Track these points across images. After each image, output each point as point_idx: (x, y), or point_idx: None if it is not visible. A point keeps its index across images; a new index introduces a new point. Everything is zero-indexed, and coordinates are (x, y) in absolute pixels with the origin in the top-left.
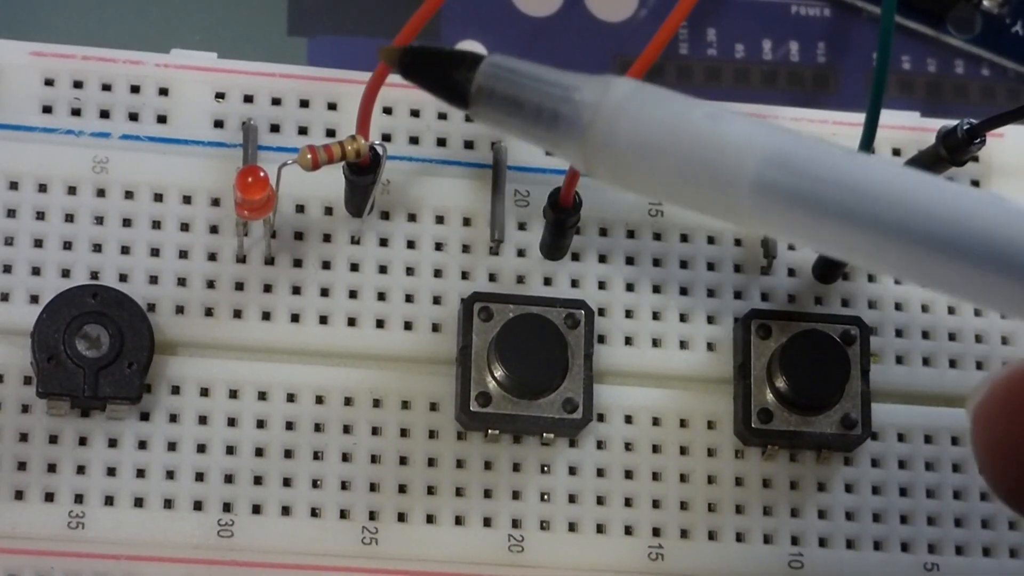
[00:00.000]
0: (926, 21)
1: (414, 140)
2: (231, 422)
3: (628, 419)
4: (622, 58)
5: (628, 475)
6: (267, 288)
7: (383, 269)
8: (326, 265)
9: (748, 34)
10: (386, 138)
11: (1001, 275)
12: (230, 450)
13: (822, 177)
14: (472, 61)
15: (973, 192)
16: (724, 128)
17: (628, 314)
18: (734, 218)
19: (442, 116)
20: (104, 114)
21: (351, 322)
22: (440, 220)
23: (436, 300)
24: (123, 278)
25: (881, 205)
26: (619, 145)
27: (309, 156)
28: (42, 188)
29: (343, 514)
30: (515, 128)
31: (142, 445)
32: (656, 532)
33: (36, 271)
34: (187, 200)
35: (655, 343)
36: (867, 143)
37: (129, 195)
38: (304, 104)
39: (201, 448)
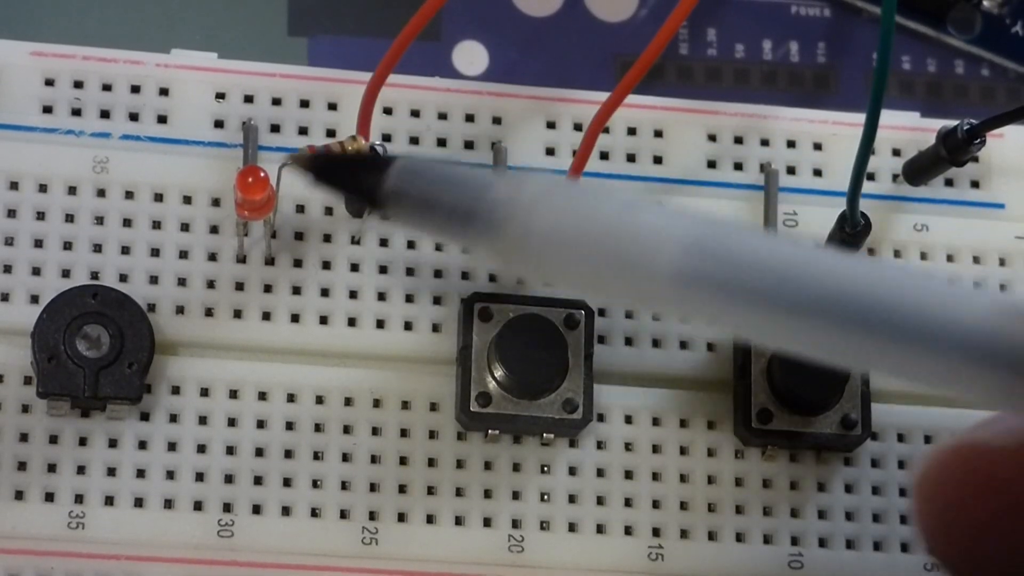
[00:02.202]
0: (926, 21)
1: (414, 140)
2: (231, 422)
3: (628, 419)
4: (622, 58)
5: (628, 475)
6: (267, 288)
7: (383, 269)
8: (326, 265)
9: (748, 34)
10: (386, 138)
11: (926, 351)
12: (230, 450)
13: (740, 263)
14: (382, 164)
15: (894, 268)
16: (640, 219)
17: (628, 314)
18: (658, 308)
19: (442, 116)
20: (104, 114)
21: (351, 322)
22: None
23: (436, 300)
24: (123, 278)
25: (801, 288)
26: (535, 242)
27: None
28: (42, 188)
29: (343, 514)
30: (431, 228)
31: (142, 445)
32: (656, 532)
33: (36, 271)
34: (187, 200)
35: (655, 343)
36: (867, 143)
37: (129, 195)
38: (304, 104)
39: (201, 448)
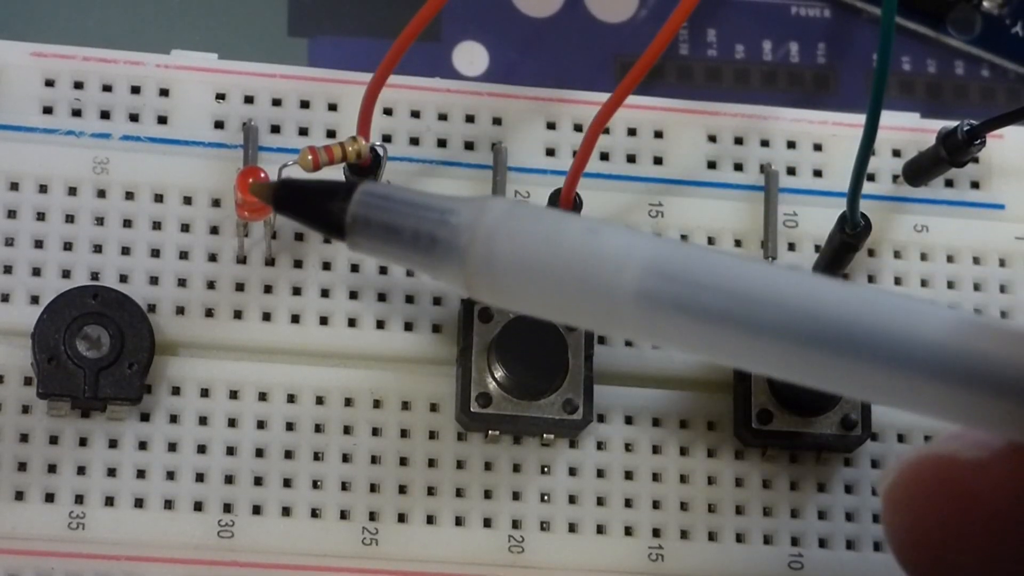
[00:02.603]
0: (926, 22)
1: (414, 141)
2: (231, 423)
3: (628, 420)
4: (622, 59)
5: (628, 476)
6: (267, 289)
7: (383, 270)
8: (326, 266)
9: (748, 35)
10: (386, 139)
11: (886, 370)
12: (230, 451)
13: (701, 283)
14: (345, 191)
15: (854, 287)
16: (602, 241)
17: None
18: (620, 330)
19: (442, 117)
20: (104, 115)
21: (351, 323)
22: None
23: (436, 301)
24: (123, 279)
25: (761, 308)
26: (498, 266)
27: (310, 157)
28: (43, 189)
29: (343, 515)
30: (395, 256)
31: (142, 446)
32: (656, 533)
33: (37, 272)
34: (187, 201)
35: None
36: (867, 145)
37: (130, 196)
38: (304, 105)
39: (201, 449)
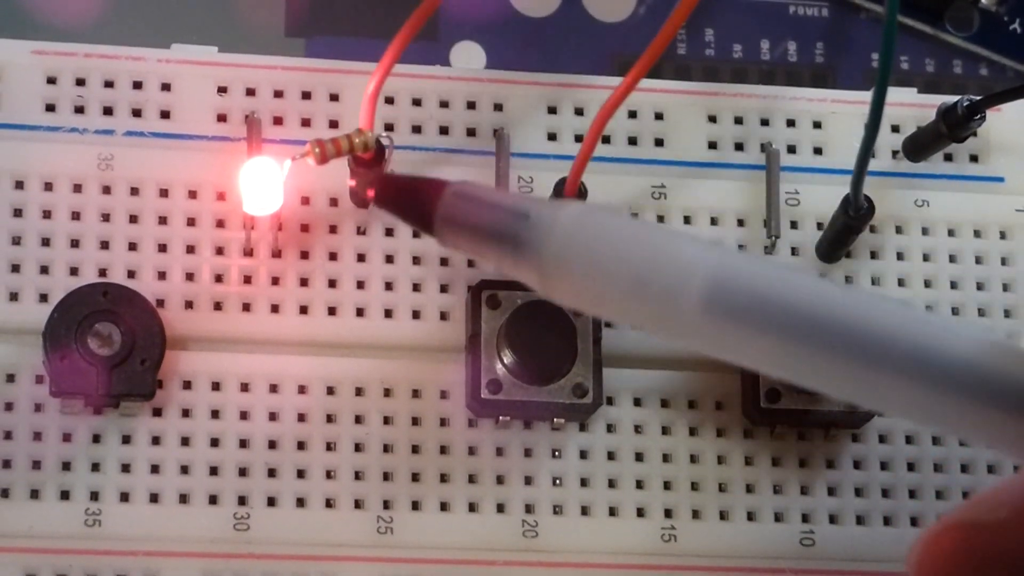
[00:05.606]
0: (924, 19)
1: (416, 129)
2: (243, 415)
3: (637, 402)
4: (620, 58)
5: (639, 458)
6: (275, 281)
7: (390, 259)
8: (333, 256)
9: (746, 34)
10: (388, 128)
11: (921, 386)
12: (243, 443)
13: (766, 296)
14: (436, 188)
15: (900, 308)
16: (673, 248)
17: None
18: (685, 338)
19: (444, 104)
20: (107, 111)
21: (359, 312)
22: None
23: (443, 288)
24: (131, 275)
25: (813, 323)
26: (572, 267)
27: (318, 151)
28: (48, 187)
29: (357, 504)
30: (479, 253)
31: (156, 441)
32: (668, 513)
33: (45, 270)
34: (193, 195)
35: None
36: (871, 133)
37: (135, 191)
38: (306, 96)
39: (215, 442)
